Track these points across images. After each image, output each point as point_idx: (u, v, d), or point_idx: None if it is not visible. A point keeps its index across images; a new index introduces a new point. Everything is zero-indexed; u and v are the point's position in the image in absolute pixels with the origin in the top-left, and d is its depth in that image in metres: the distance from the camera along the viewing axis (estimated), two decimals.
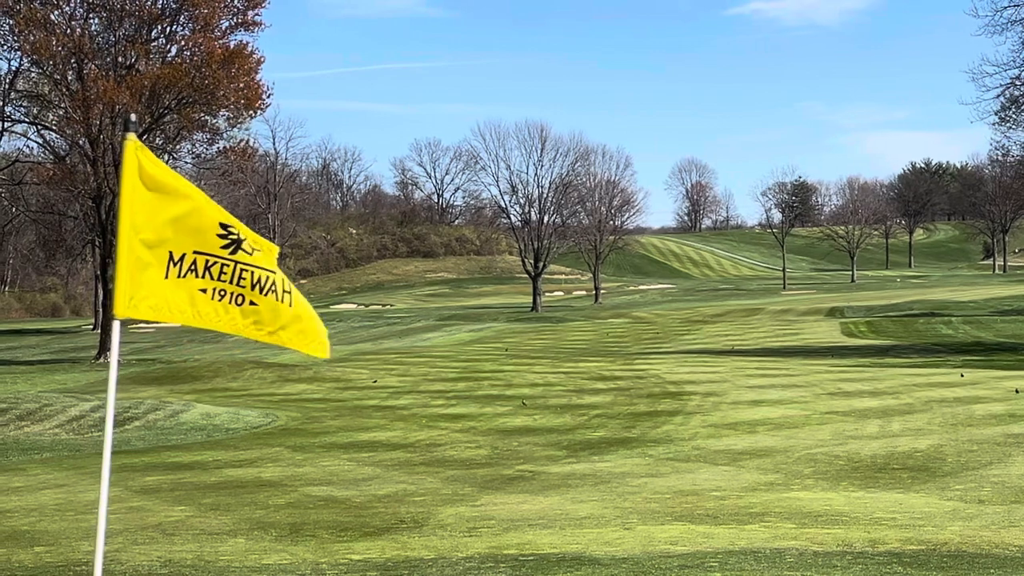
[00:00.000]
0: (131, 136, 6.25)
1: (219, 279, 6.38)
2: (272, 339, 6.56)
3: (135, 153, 6.21)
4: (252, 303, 6.47)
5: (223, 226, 6.38)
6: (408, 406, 27.53)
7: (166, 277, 6.25)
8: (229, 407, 27.80)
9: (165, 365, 44.44)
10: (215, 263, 6.37)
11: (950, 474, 13.17)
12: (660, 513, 10.62)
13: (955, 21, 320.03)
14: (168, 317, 6.44)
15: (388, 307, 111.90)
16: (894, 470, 13.74)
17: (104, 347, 49.28)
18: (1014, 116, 49.34)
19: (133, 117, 6.65)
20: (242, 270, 6.41)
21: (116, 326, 6.47)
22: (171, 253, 6.26)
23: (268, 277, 6.46)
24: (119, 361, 39.26)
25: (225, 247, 6.38)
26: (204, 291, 6.36)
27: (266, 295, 6.47)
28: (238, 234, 6.41)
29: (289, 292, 6.52)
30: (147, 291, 6.21)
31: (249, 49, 48.67)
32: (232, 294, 6.42)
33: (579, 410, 24.79)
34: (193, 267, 6.33)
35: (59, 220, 61.58)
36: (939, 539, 8.72)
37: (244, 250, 6.40)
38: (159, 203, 6.24)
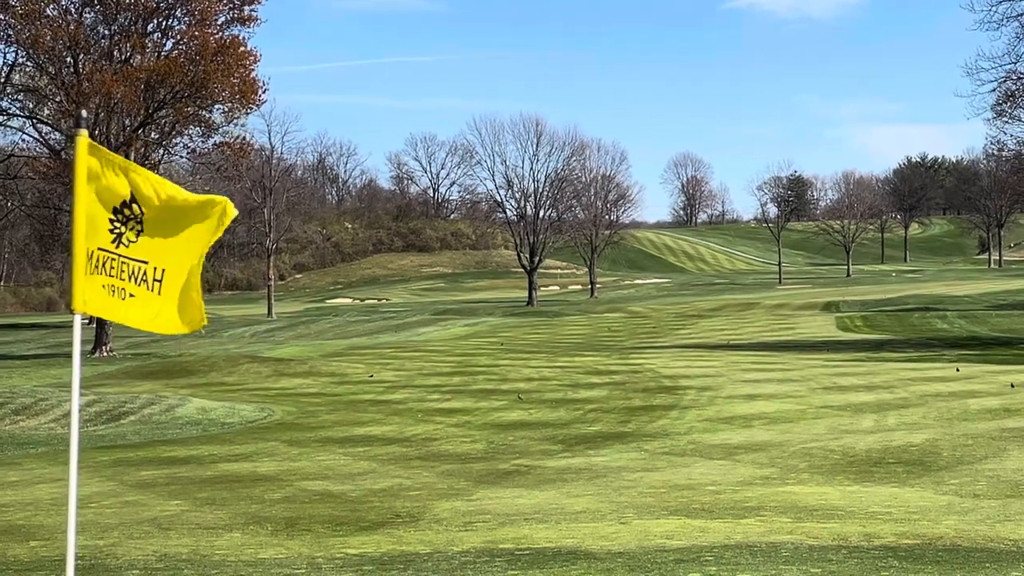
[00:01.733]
0: (83, 132, 6.10)
1: (110, 274, 6.40)
2: (151, 326, 6.64)
3: (86, 150, 6.13)
4: (131, 295, 6.53)
5: (111, 220, 6.38)
6: (403, 400, 27.53)
7: (86, 273, 6.27)
8: (225, 401, 27.80)
9: (160, 359, 44.40)
10: (107, 259, 6.39)
11: (945, 468, 13.17)
12: (656, 507, 10.62)
13: (951, 15, 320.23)
14: (98, 312, 6.50)
15: (383, 301, 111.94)
16: (889, 464, 13.74)
17: (100, 341, 49.20)
18: (1009, 110, 49.44)
19: (84, 113, 6.48)
20: (123, 263, 6.43)
21: (77, 320, 6.45)
22: (87, 250, 6.28)
23: (140, 267, 6.48)
24: (114, 355, 38.82)
25: (113, 241, 6.41)
26: (104, 287, 6.39)
27: (139, 285, 6.52)
28: (120, 227, 6.42)
29: (160, 281, 6.52)
30: (88, 287, 6.24)
31: (243, 43, 48.64)
32: (118, 288, 6.46)
33: (575, 404, 24.79)
34: (98, 264, 6.34)
35: (54, 214, 61.35)
36: (934, 533, 8.72)
37: (123, 243, 6.45)
38: (95, 200, 6.24)
